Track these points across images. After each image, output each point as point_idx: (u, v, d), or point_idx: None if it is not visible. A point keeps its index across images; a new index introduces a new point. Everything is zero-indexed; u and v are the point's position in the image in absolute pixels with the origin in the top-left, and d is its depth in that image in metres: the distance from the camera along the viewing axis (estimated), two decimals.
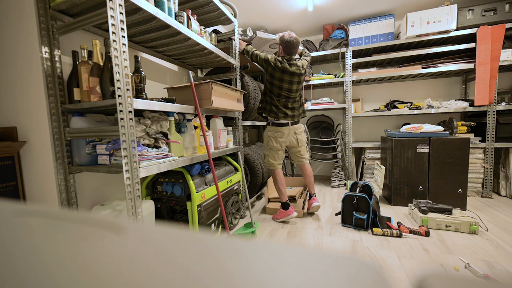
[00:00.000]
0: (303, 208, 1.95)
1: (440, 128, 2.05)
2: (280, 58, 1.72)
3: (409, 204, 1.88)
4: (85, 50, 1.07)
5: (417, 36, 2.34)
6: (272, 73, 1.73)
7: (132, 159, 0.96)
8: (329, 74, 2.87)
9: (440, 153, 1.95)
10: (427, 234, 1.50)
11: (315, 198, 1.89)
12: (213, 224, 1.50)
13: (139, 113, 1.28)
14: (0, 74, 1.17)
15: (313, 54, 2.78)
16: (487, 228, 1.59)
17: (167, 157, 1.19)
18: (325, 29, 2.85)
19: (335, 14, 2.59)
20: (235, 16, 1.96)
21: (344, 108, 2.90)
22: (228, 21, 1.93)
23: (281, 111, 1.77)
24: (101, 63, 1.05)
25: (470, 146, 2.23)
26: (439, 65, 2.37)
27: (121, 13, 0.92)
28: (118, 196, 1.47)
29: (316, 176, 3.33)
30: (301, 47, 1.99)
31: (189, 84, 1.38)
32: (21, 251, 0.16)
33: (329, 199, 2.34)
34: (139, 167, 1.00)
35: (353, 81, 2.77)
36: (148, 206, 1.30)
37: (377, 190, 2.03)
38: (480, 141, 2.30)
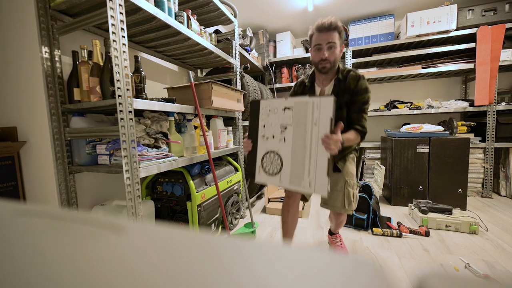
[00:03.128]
0: (303, 208, 1.95)
1: (440, 128, 2.05)
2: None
3: (409, 204, 1.88)
4: (85, 50, 1.07)
5: (417, 36, 2.34)
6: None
7: (132, 159, 0.96)
8: None
9: (440, 153, 1.95)
10: (427, 234, 1.50)
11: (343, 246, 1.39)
12: (213, 224, 1.50)
13: (139, 113, 1.28)
14: (0, 74, 1.17)
15: None
16: (487, 228, 1.59)
17: (167, 157, 1.19)
18: None
19: (335, 14, 2.59)
20: (235, 16, 1.96)
21: None
22: (228, 21, 1.93)
23: None
24: (101, 63, 1.05)
25: (470, 146, 2.23)
26: (439, 65, 2.37)
27: (121, 13, 0.92)
28: (118, 196, 1.47)
29: None
30: None
31: (189, 84, 1.38)
32: (21, 251, 0.16)
33: None
34: (139, 167, 1.00)
35: None
36: (148, 206, 1.30)
37: (377, 190, 2.03)
38: (480, 141, 2.30)
